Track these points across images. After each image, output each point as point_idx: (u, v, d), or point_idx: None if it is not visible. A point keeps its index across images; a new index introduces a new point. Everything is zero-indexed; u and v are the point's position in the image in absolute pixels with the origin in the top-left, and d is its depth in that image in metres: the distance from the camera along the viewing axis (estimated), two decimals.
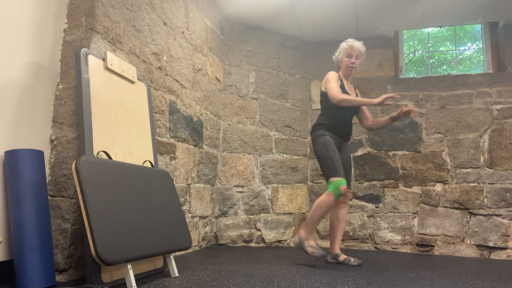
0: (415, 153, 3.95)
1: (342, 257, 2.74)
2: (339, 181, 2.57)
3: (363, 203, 4.00)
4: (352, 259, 2.69)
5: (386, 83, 4.15)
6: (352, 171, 4.09)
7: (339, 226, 2.79)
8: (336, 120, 2.78)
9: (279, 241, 3.94)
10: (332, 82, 2.71)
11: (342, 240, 4.00)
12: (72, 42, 2.11)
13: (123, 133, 2.13)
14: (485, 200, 3.67)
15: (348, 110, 2.79)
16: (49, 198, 1.98)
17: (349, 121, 2.84)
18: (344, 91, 2.77)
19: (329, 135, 2.74)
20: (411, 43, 4.72)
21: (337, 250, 2.78)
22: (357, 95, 2.94)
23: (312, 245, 2.61)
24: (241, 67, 4.05)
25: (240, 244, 3.79)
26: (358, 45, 2.80)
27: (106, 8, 2.19)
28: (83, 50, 1.96)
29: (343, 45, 2.84)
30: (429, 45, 4.70)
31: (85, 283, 1.79)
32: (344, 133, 2.82)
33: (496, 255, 3.56)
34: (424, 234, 3.77)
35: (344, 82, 2.86)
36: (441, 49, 5.23)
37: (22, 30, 1.94)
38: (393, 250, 3.83)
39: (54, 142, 2.04)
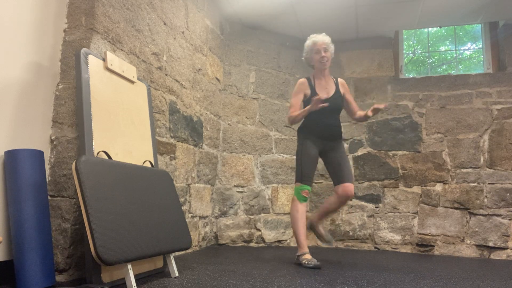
0: (415, 153, 3.95)
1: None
2: (301, 187, 2.68)
3: (363, 203, 4.00)
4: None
5: (386, 83, 4.16)
6: (352, 170, 4.08)
7: (330, 211, 2.80)
8: (314, 123, 2.73)
9: (279, 241, 3.94)
10: (292, 98, 2.80)
11: (342, 240, 4.00)
12: (72, 42, 2.11)
13: (123, 133, 2.13)
14: (485, 200, 3.68)
15: (327, 113, 2.72)
16: (49, 198, 1.98)
17: (332, 122, 2.74)
18: (313, 94, 2.73)
19: (309, 139, 2.73)
20: (411, 43, 4.72)
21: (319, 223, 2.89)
22: (336, 86, 2.81)
23: (307, 257, 2.60)
24: (241, 67, 4.05)
25: (240, 244, 3.79)
26: (322, 37, 2.74)
27: (106, 8, 2.19)
28: (83, 50, 1.96)
29: (307, 43, 2.79)
30: (429, 45, 4.70)
31: (85, 283, 1.79)
32: (327, 134, 2.74)
33: (496, 255, 3.56)
34: (424, 234, 3.77)
35: (317, 82, 2.79)
36: (441, 49, 5.23)
37: (22, 30, 1.94)
38: (393, 250, 3.83)
39: (54, 142, 2.04)
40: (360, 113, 2.84)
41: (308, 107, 2.59)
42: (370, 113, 2.65)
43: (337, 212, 4.06)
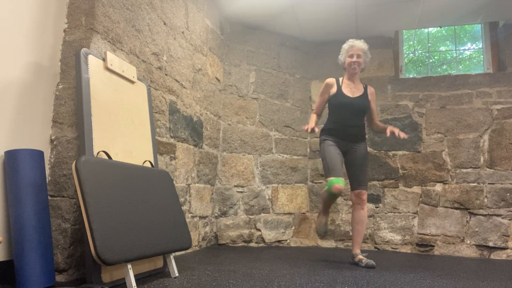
0: (415, 153, 3.95)
1: (357, 258, 2.74)
2: (331, 180, 2.66)
3: None
4: (364, 260, 2.66)
5: (386, 83, 4.16)
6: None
7: (355, 227, 2.81)
8: (337, 124, 2.82)
9: (279, 241, 3.94)
10: (318, 98, 2.96)
11: (342, 240, 4.00)
12: (72, 42, 2.11)
13: (123, 133, 2.13)
14: (485, 200, 3.67)
15: (350, 113, 2.80)
16: (49, 198, 1.98)
17: (355, 123, 2.81)
18: (340, 95, 2.82)
19: (330, 140, 2.81)
20: (411, 43, 4.72)
21: (354, 251, 2.80)
22: (364, 90, 2.90)
23: (320, 221, 2.90)
24: (241, 67, 4.05)
25: (240, 244, 3.79)
26: (358, 43, 2.83)
27: (106, 8, 2.19)
28: (83, 50, 1.96)
29: (344, 46, 2.90)
30: (429, 45, 4.70)
31: (85, 283, 1.79)
32: (349, 136, 2.82)
33: (496, 255, 3.56)
34: (424, 234, 3.78)
35: (345, 84, 2.88)
36: (441, 49, 5.23)
37: (22, 30, 1.94)
38: (393, 250, 3.83)
39: (54, 142, 2.04)
40: (379, 124, 2.93)
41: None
42: (387, 132, 2.72)
43: (338, 212, 4.06)
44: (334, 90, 2.86)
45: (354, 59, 2.81)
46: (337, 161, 2.72)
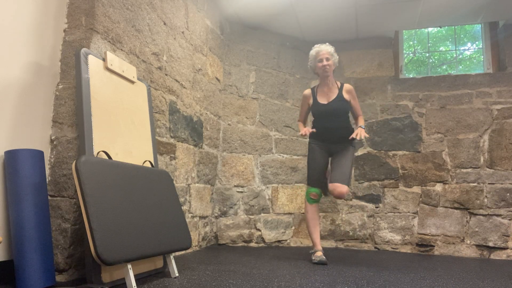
0: (415, 153, 3.95)
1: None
2: (309, 189, 2.95)
3: (363, 203, 4.00)
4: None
5: (386, 83, 4.16)
6: (352, 171, 4.09)
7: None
8: (319, 129, 2.94)
9: (279, 241, 3.94)
10: (300, 108, 3.12)
11: (342, 240, 4.00)
12: (72, 42, 2.11)
13: (123, 133, 2.13)
14: (485, 200, 3.67)
15: (328, 118, 2.90)
16: (49, 198, 1.98)
17: (336, 126, 2.90)
18: (316, 105, 2.94)
19: (314, 144, 2.98)
20: (411, 43, 4.72)
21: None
22: (339, 91, 2.93)
23: (316, 254, 2.80)
24: (241, 67, 4.05)
25: (240, 244, 3.79)
26: (325, 47, 2.93)
27: (106, 8, 2.19)
28: (83, 50, 1.96)
29: (312, 52, 2.97)
30: (429, 45, 4.70)
31: (85, 283, 1.79)
32: (332, 138, 2.93)
33: (496, 255, 3.56)
34: (424, 234, 3.77)
35: (320, 91, 2.99)
36: (441, 49, 5.23)
37: (22, 30, 1.94)
38: (393, 250, 3.83)
39: (54, 142, 2.04)
40: (359, 121, 3.02)
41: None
42: (353, 135, 2.80)
43: (338, 212, 4.06)
44: (311, 101, 3.01)
45: (324, 62, 2.89)
46: (315, 170, 2.93)
